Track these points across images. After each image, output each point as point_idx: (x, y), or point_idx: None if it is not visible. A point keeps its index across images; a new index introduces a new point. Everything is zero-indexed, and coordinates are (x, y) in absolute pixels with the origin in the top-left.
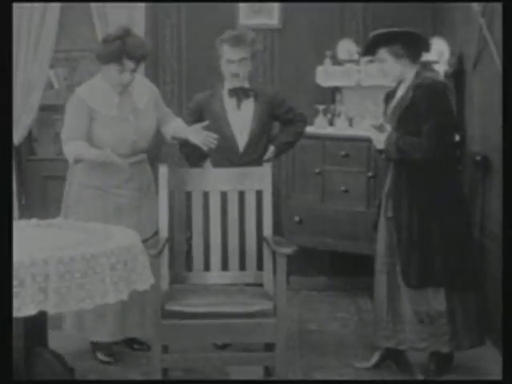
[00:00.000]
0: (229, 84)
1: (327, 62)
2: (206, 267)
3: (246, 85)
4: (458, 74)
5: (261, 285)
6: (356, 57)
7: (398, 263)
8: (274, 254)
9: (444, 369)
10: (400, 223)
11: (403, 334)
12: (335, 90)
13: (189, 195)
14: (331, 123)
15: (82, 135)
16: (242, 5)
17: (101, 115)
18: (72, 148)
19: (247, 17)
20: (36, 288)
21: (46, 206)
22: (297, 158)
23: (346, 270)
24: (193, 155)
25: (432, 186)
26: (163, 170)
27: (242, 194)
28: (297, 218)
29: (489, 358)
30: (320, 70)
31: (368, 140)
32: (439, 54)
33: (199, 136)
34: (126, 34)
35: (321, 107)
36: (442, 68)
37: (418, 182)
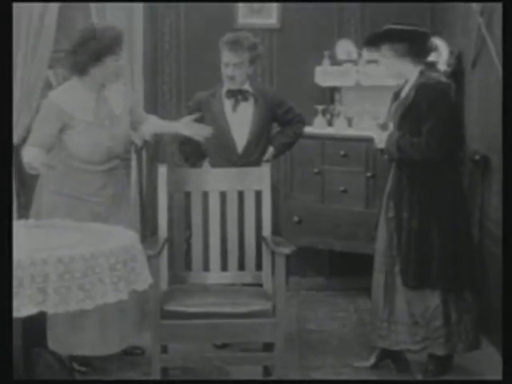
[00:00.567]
0: (227, 85)
1: (326, 62)
2: (205, 267)
3: (246, 87)
4: (456, 73)
5: (260, 285)
6: (355, 57)
7: (398, 263)
8: (273, 254)
9: (443, 369)
10: (400, 224)
11: (397, 335)
12: (334, 90)
13: (188, 195)
14: (330, 123)
15: (44, 143)
16: (240, 5)
17: (75, 120)
18: (29, 152)
19: (246, 16)
20: (35, 288)
21: None
22: (296, 158)
23: (345, 269)
24: (191, 154)
25: (433, 187)
26: (162, 170)
27: (241, 194)
28: (296, 218)
29: (488, 359)
30: (319, 70)
31: (367, 140)
32: (438, 53)
33: (190, 128)
34: (92, 31)
35: (320, 107)
36: (441, 68)
37: (419, 182)
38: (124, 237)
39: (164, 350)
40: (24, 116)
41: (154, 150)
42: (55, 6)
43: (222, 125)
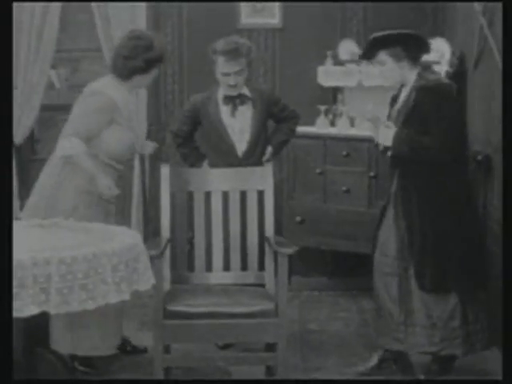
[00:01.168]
0: (225, 91)
1: (328, 62)
2: (208, 267)
3: (243, 90)
4: (459, 73)
5: (262, 285)
6: (357, 57)
7: (412, 266)
8: (275, 254)
9: (446, 370)
10: (411, 226)
11: (415, 338)
12: (336, 90)
13: (190, 195)
14: (333, 123)
15: (89, 136)
16: (243, 4)
17: (122, 117)
18: (74, 144)
19: (249, 16)
20: (38, 288)
21: None
22: (298, 158)
23: (348, 270)
24: (190, 156)
25: (442, 187)
26: (165, 170)
27: (243, 194)
28: (298, 218)
29: (489, 358)
30: (321, 70)
31: (369, 140)
32: (440, 54)
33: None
34: (149, 41)
35: (322, 107)
36: (443, 68)
37: (425, 183)
38: (127, 237)
39: (166, 349)
40: (26, 116)
41: (157, 150)
42: (57, 5)
43: (221, 131)
